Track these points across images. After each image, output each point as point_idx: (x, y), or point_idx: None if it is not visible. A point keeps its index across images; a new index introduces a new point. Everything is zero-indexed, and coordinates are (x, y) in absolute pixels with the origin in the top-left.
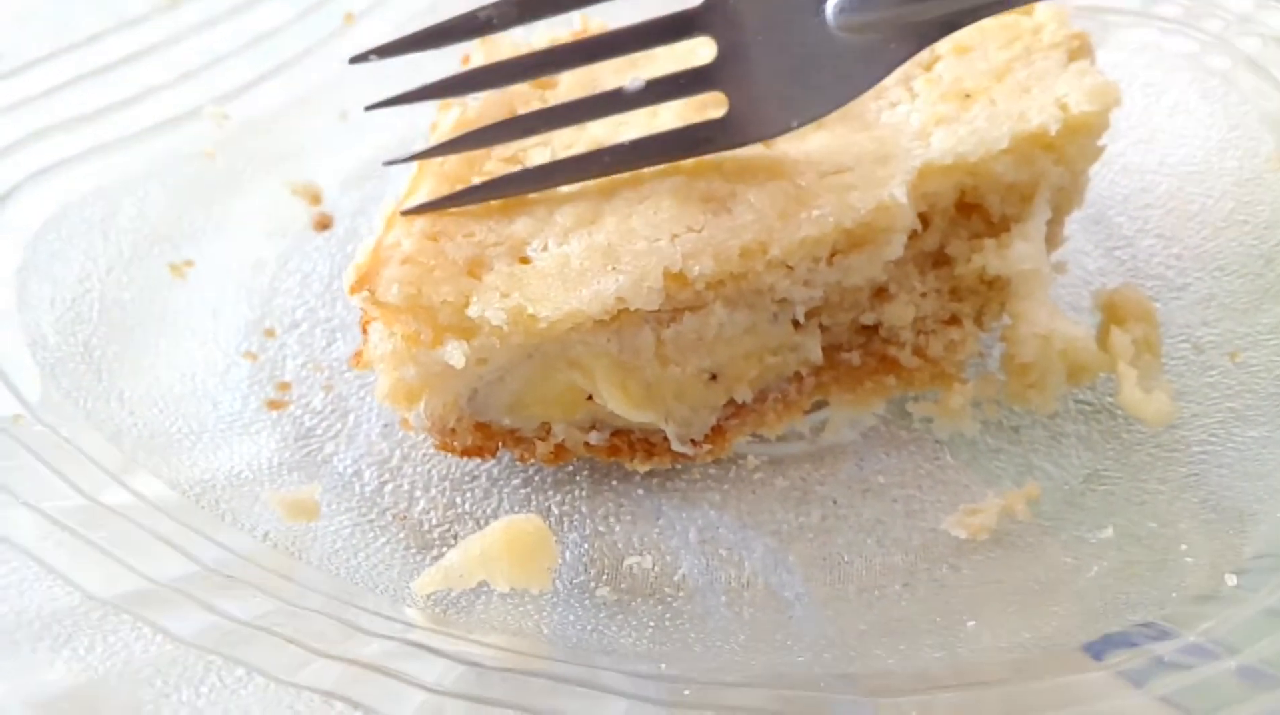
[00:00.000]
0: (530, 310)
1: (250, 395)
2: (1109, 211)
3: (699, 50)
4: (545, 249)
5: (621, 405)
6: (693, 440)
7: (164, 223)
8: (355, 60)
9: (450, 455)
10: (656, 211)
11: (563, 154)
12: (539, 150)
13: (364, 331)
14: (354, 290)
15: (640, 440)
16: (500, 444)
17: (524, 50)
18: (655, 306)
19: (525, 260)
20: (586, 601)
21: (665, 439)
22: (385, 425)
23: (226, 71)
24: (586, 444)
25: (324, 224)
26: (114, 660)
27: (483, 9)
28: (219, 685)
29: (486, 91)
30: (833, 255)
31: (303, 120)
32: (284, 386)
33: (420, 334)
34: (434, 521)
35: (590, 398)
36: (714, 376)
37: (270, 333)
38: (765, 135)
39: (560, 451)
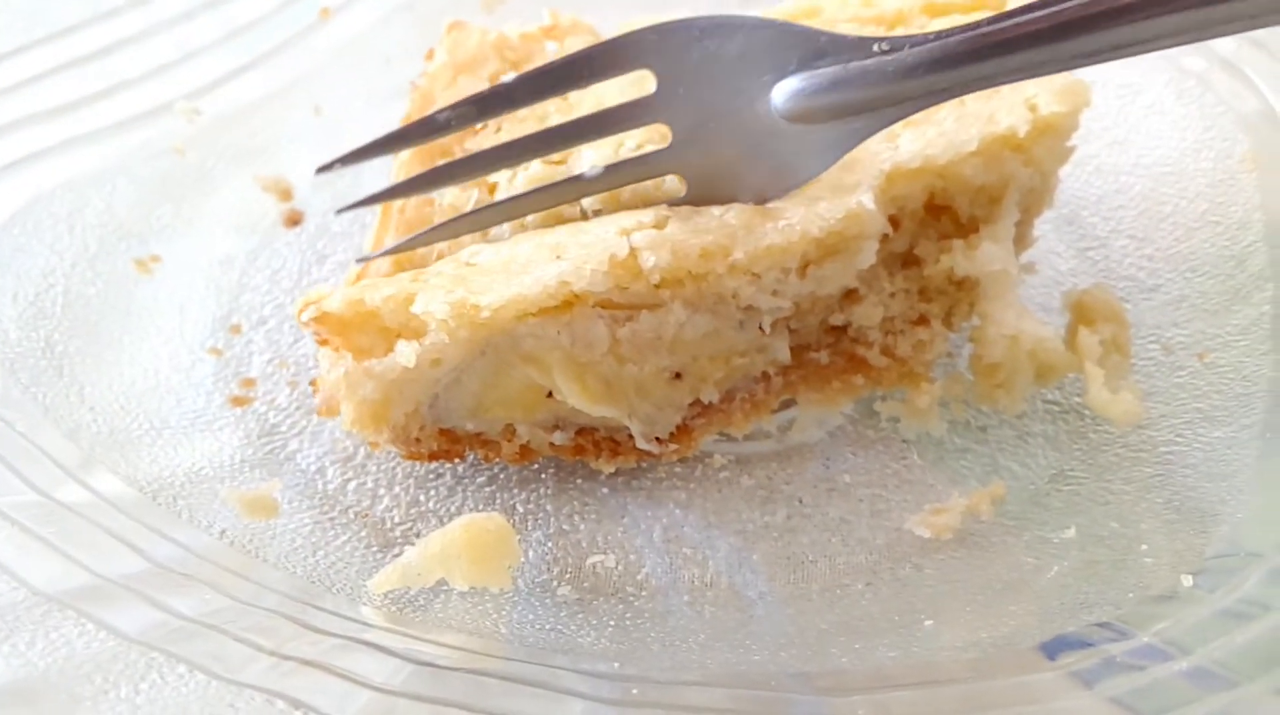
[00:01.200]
0: (473, 301)
1: (214, 392)
2: (1082, 212)
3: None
4: (496, 254)
5: (580, 400)
6: (658, 438)
7: (132, 218)
8: (321, 170)
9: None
10: (612, 218)
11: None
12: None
13: (313, 386)
14: (300, 311)
15: (605, 439)
16: (466, 447)
17: (489, 39)
18: (600, 290)
19: (471, 265)
20: (547, 600)
21: (630, 438)
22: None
23: (199, 66)
24: (551, 444)
25: (294, 220)
26: (54, 656)
27: (441, 112)
28: (159, 682)
29: (445, 96)
30: (805, 266)
31: (276, 116)
32: (248, 383)
33: (372, 346)
34: (396, 519)
35: (550, 396)
36: (678, 375)
37: (236, 329)
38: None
39: (526, 452)
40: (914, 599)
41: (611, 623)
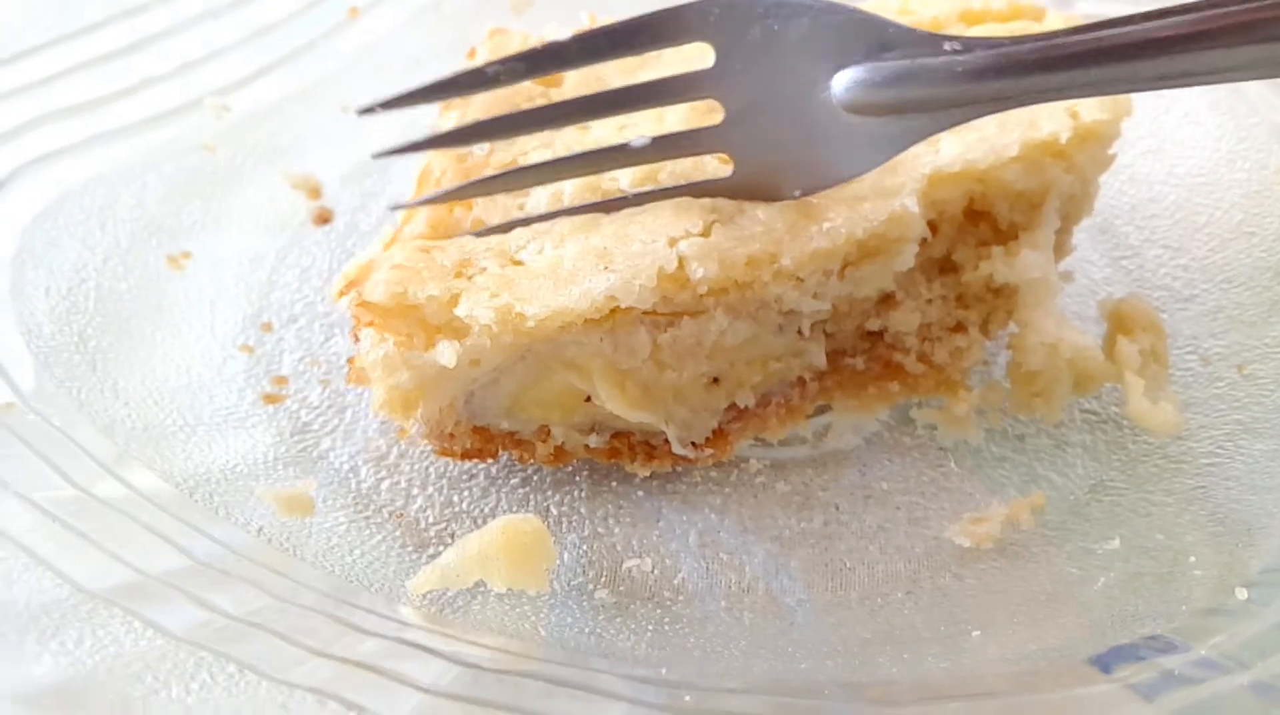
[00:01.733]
0: (518, 308)
1: (246, 389)
2: (1116, 221)
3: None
4: (540, 252)
5: (619, 406)
6: (693, 443)
7: (162, 214)
8: (364, 112)
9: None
10: (656, 219)
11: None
12: (539, 153)
13: (355, 340)
14: (341, 293)
15: (640, 443)
16: (500, 447)
17: (530, 44)
18: (647, 305)
19: (517, 263)
20: (585, 604)
21: (666, 442)
22: (383, 422)
23: (228, 63)
24: (586, 447)
25: (324, 218)
26: (103, 654)
27: (490, 65)
28: (209, 682)
29: (487, 93)
30: (844, 267)
31: (304, 114)
32: (280, 381)
33: (413, 337)
34: (431, 520)
35: (588, 400)
36: (715, 380)
37: (267, 327)
38: (768, 199)
39: (560, 453)
40: (956, 609)
41: (650, 627)
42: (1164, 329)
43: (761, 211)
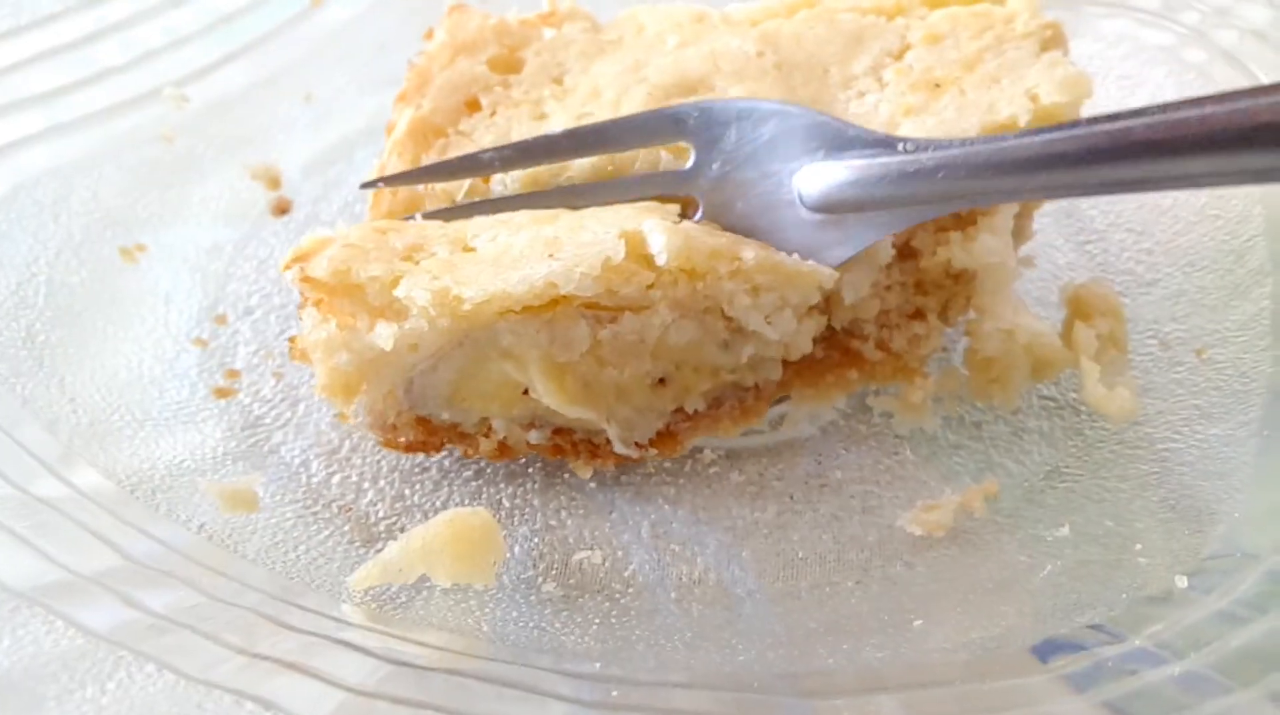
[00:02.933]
0: (455, 291)
1: (198, 383)
2: (1081, 204)
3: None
4: (494, 240)
5: (556, 400)
6: (637, 443)
7: (119, 206)
8: (365, 186)
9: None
10: (617, 214)
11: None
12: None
13: (300, 318)
14: (287, 267)
15: (583, 441)
16: (444, 440)
17: (489, 23)
18: (588, 294)
19: (469, 249)
20: (532, 598)
21: (609, 441)
22: (336, 414)
23: (188, 52)
24: (528, 442)
25: (283, 209)
26: (20, 654)
27: (486, 152)
28: (127, 681)
29: (445, 80)
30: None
31: (266, 103)
32: (233, 374)
33: (355, 318)
34: (381, 514)
35: (526, 392)
36: (662, 381)
37: (221, 319)
38: None
39: (504, 449)
40: (904, 598)
41: (596, 621)
42: (1124, 313)
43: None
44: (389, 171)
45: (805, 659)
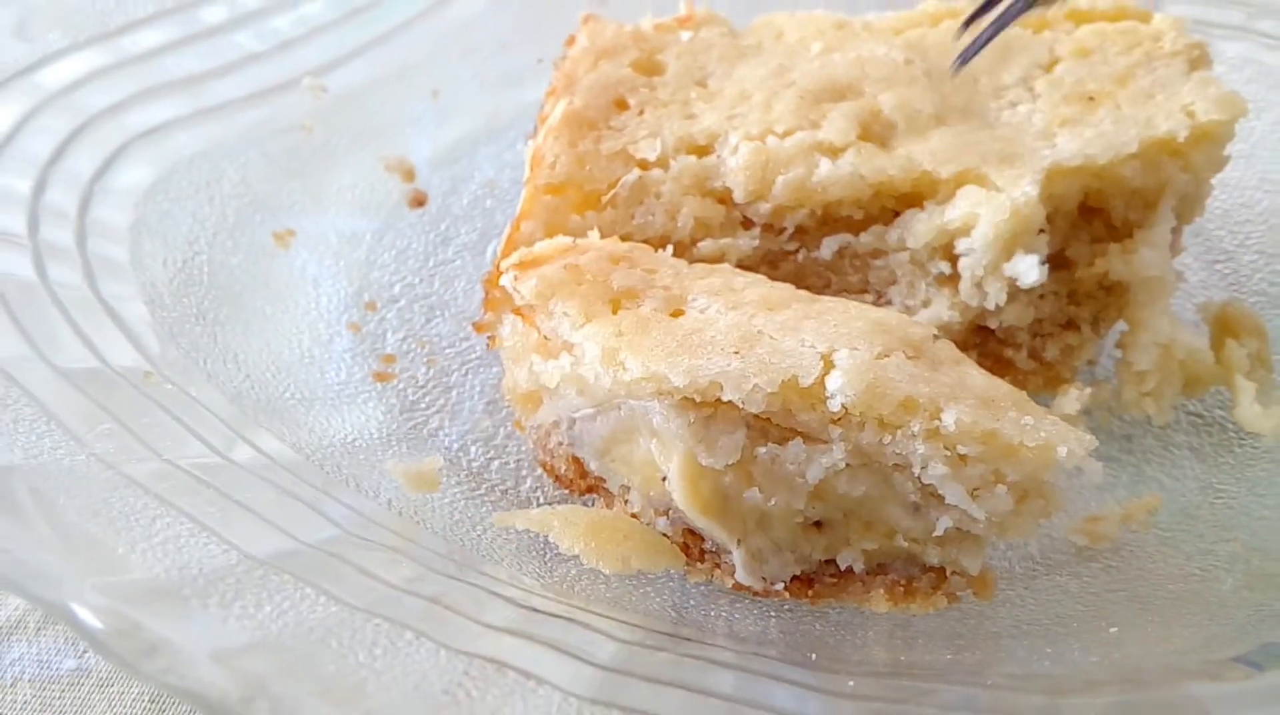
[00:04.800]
0: (622, 356)
1: (355, 366)
2: (1208, 225)
3: None
4: (704, 311)
5: (685, 502)
6: (764, 576)
7: (265, 192)
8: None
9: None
10: (840, 327)
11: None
12: (648, 142)
13: (485, 291)
14: (506, 269)
15: (710, 552)
16: (590, 488)
17: (626, 32)
18: (757, 409)
19: (678, 313)
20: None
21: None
22: (489, 402)
23: (322, 43)
24: (656, 527)
25: (419, 201)
26: (284, 620)
27: None
28: (390, 649)
29: (590, 78)
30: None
31: (395, 97)
32: (389, 359)
33: (546, 343)
34: (541, 501)
35: (665, 479)
36: (818, 525)
37: (371, 305)
38: None
39: (637, 521)
40: (1079, 606)
41: (785, 614)
42: (1268, 333)
43: (972, 369)
44: (545, 155)
45: (1007, 660)
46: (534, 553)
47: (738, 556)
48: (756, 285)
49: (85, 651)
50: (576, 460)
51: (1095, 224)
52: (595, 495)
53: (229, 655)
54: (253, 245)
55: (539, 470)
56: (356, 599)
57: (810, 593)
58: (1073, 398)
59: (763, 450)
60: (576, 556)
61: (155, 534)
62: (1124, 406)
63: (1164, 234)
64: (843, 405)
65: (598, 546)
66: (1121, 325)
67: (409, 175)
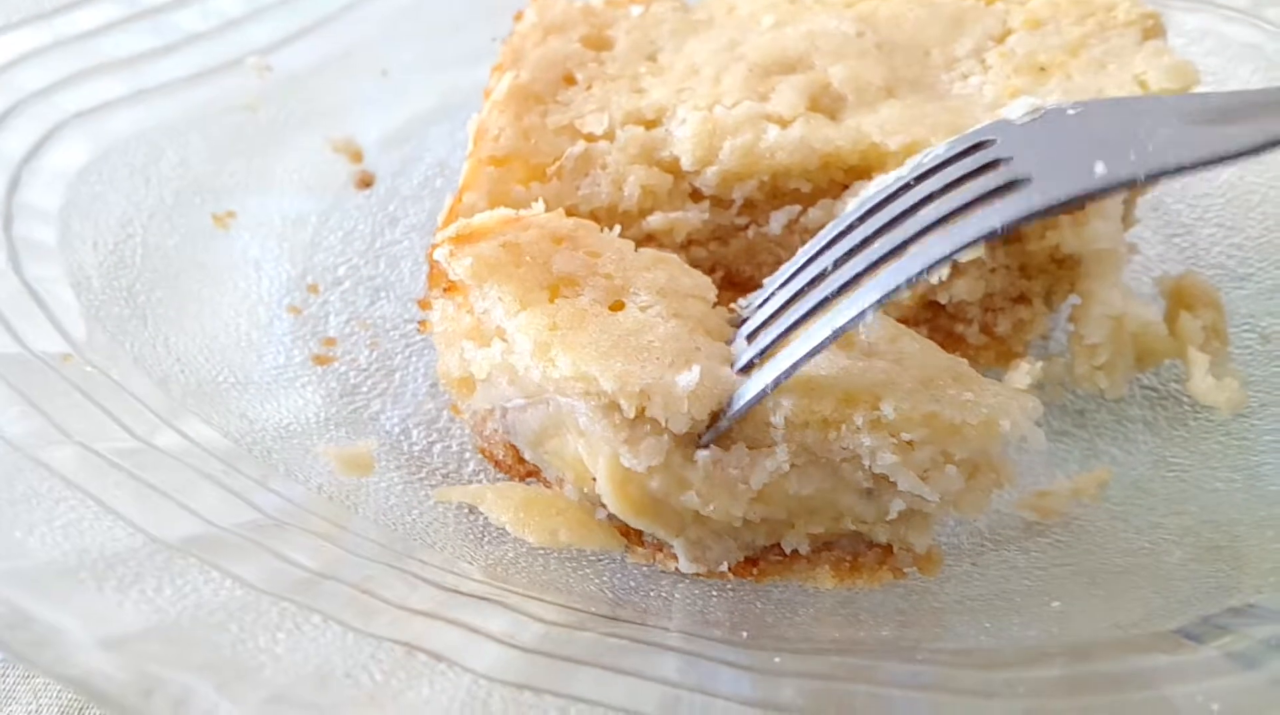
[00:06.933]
0: (553, 352)
1: (294, 349)
2: (1166, 198)
3: None
4: (645, 309)
5: (615, 506)
6: (707, 564)
7: (206, 173)
8: None
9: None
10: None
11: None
12: (595, 117)
13: (430, 282)
14: (445, 227)
15: (651, 542)
16: (529, 474)
17: (576, 8)
18: (681, 429)
19: (618, 306)
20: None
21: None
22: (432, 385)
23: (268, 22)
24: (595, 517)
25: (366, 182)
26: (184, 603)
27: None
28: (295, 632)
29: (538, 53)
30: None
31: (344, 76)
32: (329, 342)
33: (479, 327)
34: (485, 483)
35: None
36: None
37: (314, 288)
38: None
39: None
40: (1026, 581)
41: (730, 592)
42: (1224, 306)
43: (908, 341)
44: (490, 129)
45: (947, 635)
46: (472, 537)
47: (679, 546)
48: (703, 296)
49: None
50: (513, 447)
51: None
52: (535, 480)
53: (119, 641)
54: (191, 228)
55: (480, 453)
56: (266, 583)
57: (755, 571)
58: (1023, 372)
59: (703, 454)
60: (515, 540)
61: (57, 517)
62: (1076, 381)
63: (1115, 206)
64: (785, 418)
65: (526, 518)
66: (1074, 299)
67: (357, 156)
